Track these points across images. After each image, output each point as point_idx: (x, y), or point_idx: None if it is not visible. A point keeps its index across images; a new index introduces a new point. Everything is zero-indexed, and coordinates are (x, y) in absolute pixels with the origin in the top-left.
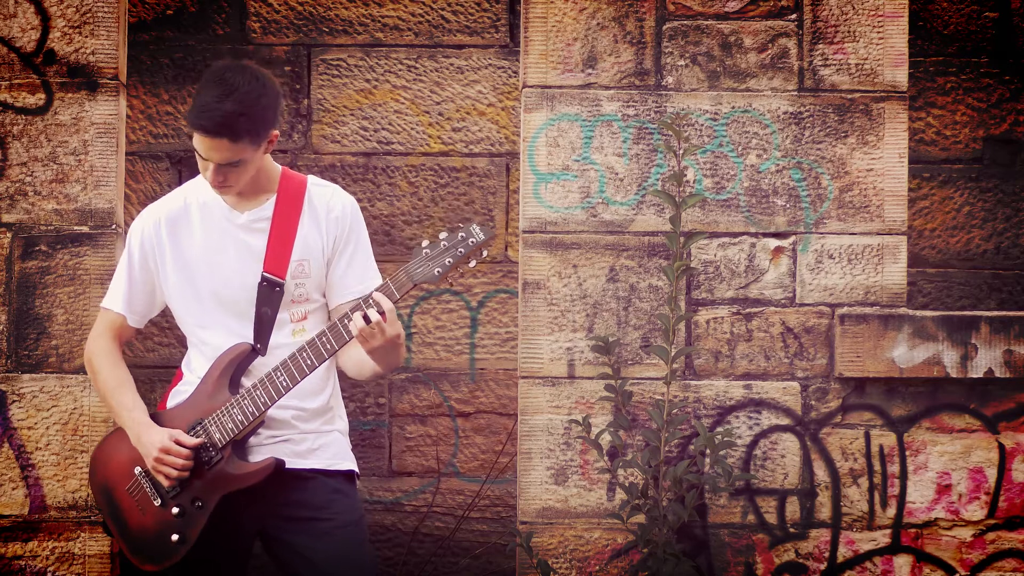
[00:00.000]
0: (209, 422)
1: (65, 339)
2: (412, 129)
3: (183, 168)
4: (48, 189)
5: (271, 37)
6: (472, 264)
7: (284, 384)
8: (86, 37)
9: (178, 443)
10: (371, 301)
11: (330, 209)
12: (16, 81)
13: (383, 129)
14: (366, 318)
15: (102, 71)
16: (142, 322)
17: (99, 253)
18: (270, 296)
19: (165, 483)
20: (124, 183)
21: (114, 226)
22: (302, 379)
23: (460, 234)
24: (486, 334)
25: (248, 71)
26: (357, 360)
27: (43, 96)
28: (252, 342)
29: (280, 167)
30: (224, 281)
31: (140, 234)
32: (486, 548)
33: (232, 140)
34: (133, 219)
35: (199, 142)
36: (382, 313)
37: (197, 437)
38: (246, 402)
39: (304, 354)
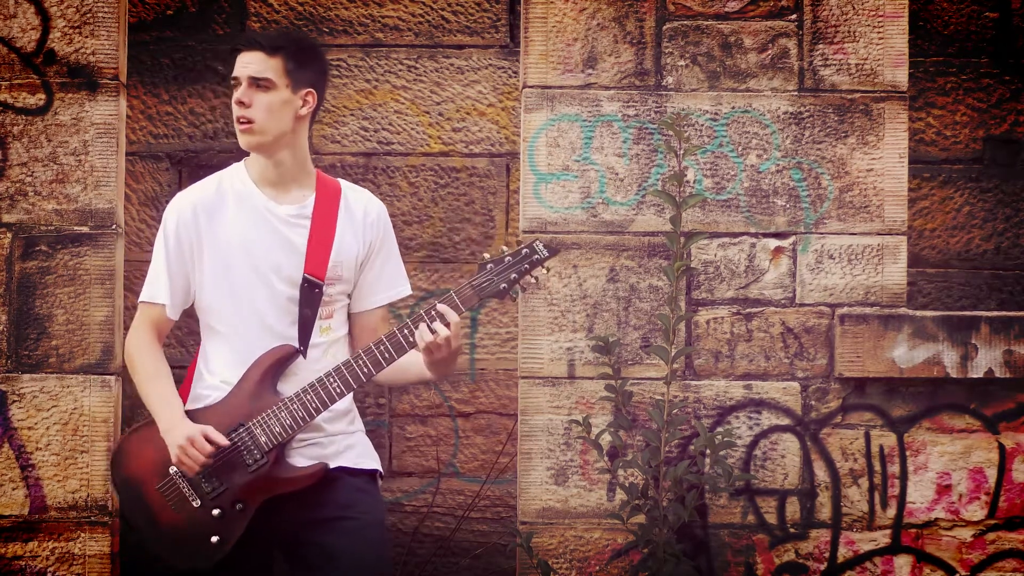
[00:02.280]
0: (254, 424)
1: (65, 339)
2: (412, 129)
3: (183, 168)
4: (48, 189)
5: None
6: (534, 280)
7: (338, 391)
8: (86, 37)
9: (208, 439)
10: (434, 313)
11: (367, 214)
12: (16, 81)
13: (383, 129)
14: (432, 330)
15: (102, 71)
16: (179, 313)
17: (99, 253)
18: (311, 297)
19: (190, 473)
20: (124, 183)
21: (114, 226)
22: (357, 386)
23: (524, 250)
24: (486, 334)
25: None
26: (401, 367)
27: (43, 96)
28: (296, 344)
29: (315, 169)
30: (263, 276)
31: (176, 221)
32: (486, 548)
33: (267, 53)
34: (133, 220)
35: (234, 64)
36: (448, 325)
37: (239, 439)
38: (296, 406)
39: (360, 362)
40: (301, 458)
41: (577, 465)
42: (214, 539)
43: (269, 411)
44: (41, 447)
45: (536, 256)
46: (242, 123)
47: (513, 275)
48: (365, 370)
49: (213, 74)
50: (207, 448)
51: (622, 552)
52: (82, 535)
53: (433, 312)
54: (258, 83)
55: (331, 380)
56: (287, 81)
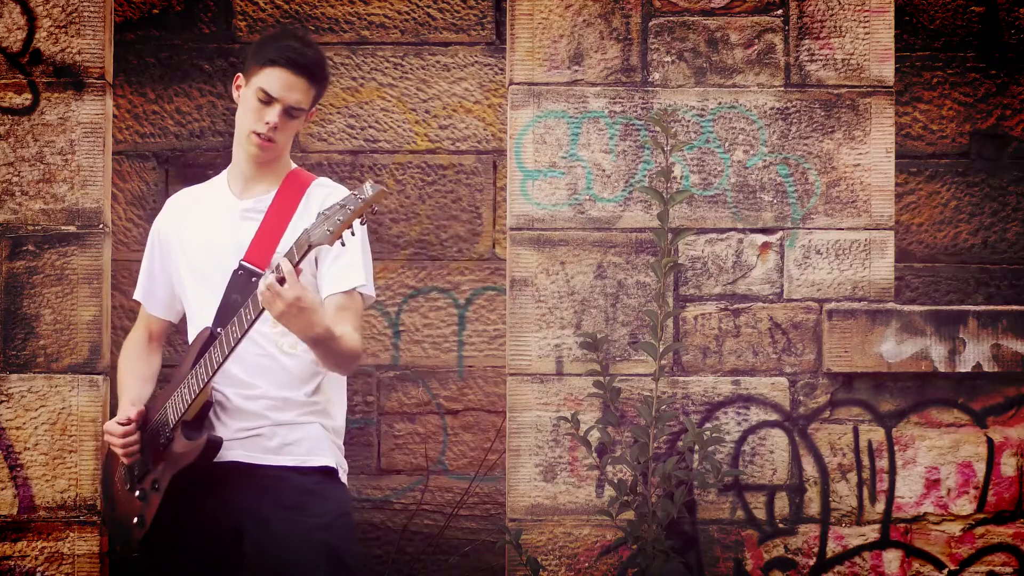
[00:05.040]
0: (168, 404)
1: (53, 339)
2: (399, 127)
3: (170, 167)
4: (35, 189)
5: (257, 36)
6: (361, 223)
7: (217, 359)
8: (72, 37)
9: (120, 422)
10: (274, 267)
11: (325, 205)
12: (2, 81)
13: (370, 127)
14: (266, 284)
15: (88, 71)
16: (169, 313)
17: (86, 253)
18: (246, 285)
19: (125, 462)
20: (111, 183)
21: (101, 225)
22: (231, 351)
23: (352, 193)
24: (474, 331)
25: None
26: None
27: (29, 96)
28: (211, 326)
29: (294, 164)
30: (222, 268)
31: (157, 225)
32: (475, 546)
33: (310, 82)
34: (120, 219)
35: (274, 78)
36: (281, 279)
37: (158, 420)
38: (192, 381)
39: (232, 327)
40: (241, 450)
41: (566, 462)
42: (135, 520)
43: (176, 390)
44: (29, 447)
45: (361, 197)
46: (264, 140)
47: (338, 218)
48: (234, 333)
49: (199, 72)
50: (116, 430)
51: (611, 548)
52: (71, 535)
53: (274, 266)
54: (293, 112)
55: (213, 349)
56: (310, 108)
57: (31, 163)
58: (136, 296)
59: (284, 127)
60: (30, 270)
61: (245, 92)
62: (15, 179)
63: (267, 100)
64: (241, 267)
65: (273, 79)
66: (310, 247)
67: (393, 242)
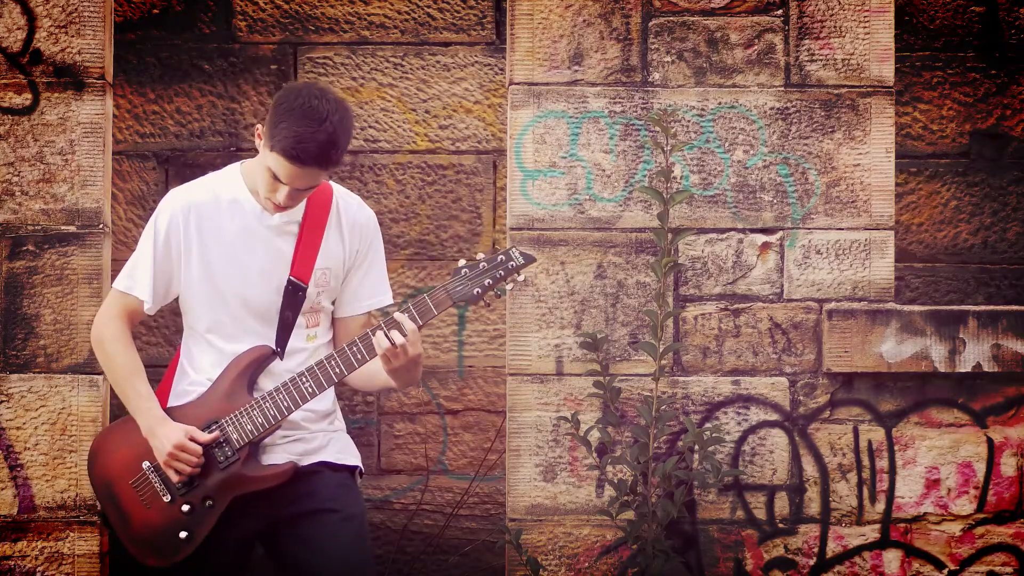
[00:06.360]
0: (227, 422)
1: (53, 339)
2: (399, 127)
3: (170, 167)
4: (35, 189)
5: (257, 36)
6: (509, 287)
7: (310, 390)
8: (72, 37)
9: (193, 440)
10: (394, 321)
11: (355, 221)
12: (3, 81)
13: (370, 127)
14: (389, 338)
15: (88, 71)
16: (155, 310)
17: (86, 253)
18: (294, 300)
19: (175, 479)
20: (111, 182)
21: (101, 225)
22: (329, 387)
23: (500, 256)
24: (474, 331)
25: (329, 96)
26: (369, 373)
27: (30, 96)
28: (274, 345)
29: None
30: (250, 282)
31: (168, 219)
32: (475, 545)
33: (321, 168)
34: (120, 219)
35: (283, 167)
36: (405, 333)
37: (221, 438)
38: (267, 405)
39: (333, 362)
40: (284, 454)
41: (566, 462)
42: (182, 535)
43: (242, 409)
44: (29, 447)
45: (512, 263)
46: (279, 208)
47: (487, 281)
48: (337, 370)
49: (199, 72)
50: (197, 449)
51: (611, 548)
52: (71, 535)
53: (391, 320)
54: (303, 190)
55: (303, 380)
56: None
57: (31, 163)
58: (136, 292)
59: (298, 198)
60: (30, 270)
61: (261, 155)
62: (15, 179)
63: (277, 179)
64: (290, 283)
65: (280, 167)
66: (452, 304)
67: (393, 242)
